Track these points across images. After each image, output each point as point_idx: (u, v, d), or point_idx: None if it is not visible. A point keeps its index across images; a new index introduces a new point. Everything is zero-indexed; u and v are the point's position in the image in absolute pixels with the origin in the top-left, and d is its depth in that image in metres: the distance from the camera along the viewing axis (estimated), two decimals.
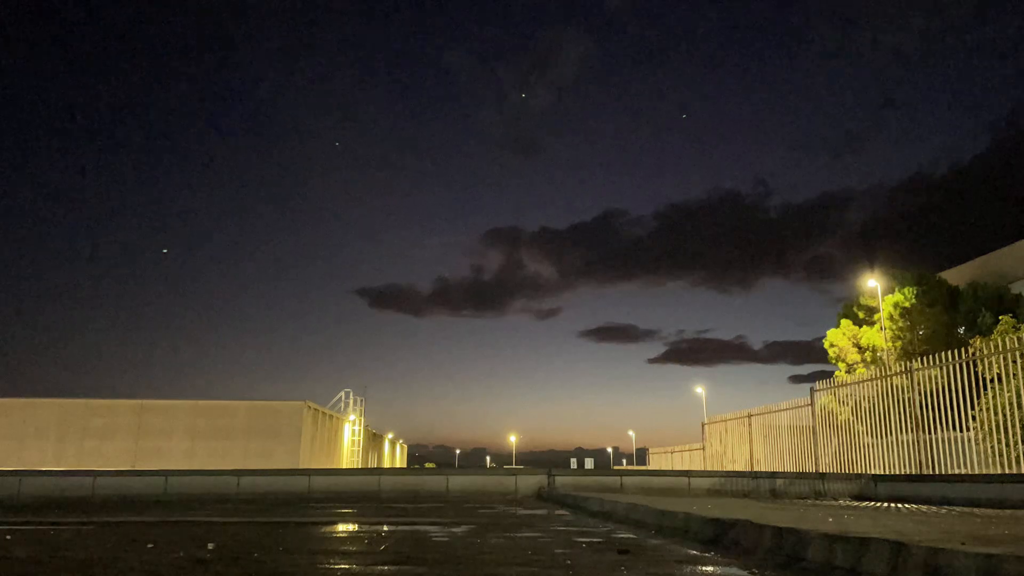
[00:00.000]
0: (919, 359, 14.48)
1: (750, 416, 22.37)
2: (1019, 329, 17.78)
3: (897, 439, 14.74)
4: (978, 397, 13.07)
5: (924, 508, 9.18)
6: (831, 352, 28.19)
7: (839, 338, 27.88)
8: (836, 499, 12.16)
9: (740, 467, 22.38)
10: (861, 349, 27.20)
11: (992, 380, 13.03)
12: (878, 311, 26.48)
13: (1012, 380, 12.11)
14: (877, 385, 15.63)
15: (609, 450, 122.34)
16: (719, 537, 5.35)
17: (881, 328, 26.06)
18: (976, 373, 13.15)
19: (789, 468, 18.94)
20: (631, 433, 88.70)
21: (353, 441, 36.74)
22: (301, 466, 26.08)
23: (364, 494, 13.96)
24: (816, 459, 17.84)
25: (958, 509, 8.85)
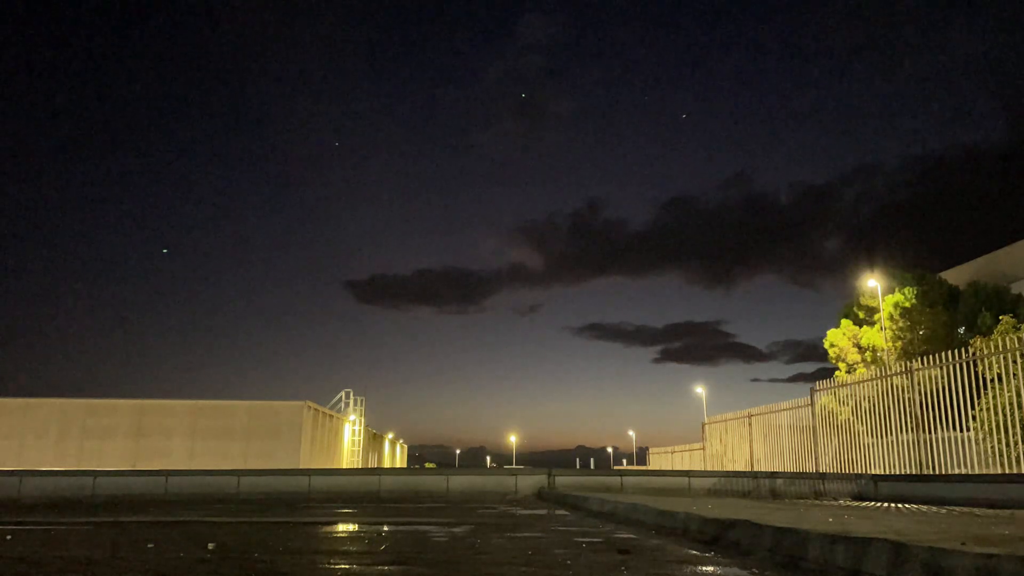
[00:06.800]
0: (919, 359, 14.47)
1: (750, 416, 22.37)
2: (1019, 329, 17.78)
3: (897, 439, 14.73)
4: (978, 397, 13.07)
5: (924, 508, 9.17)
6: (831, 352, 28.19)
7: (839, 338, 27.87)
8: (836, 499, 12.15)
9: (740, 467, 22.37)
10: (861, 349, 27.20)
11: (992, 380, 13.03)
12: (878, 311, 26.47)
13: (1012, 380, 12.11)
14: (877, 385, 15.63)
15: (609, 450, 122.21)
16: (719, 537, 5.35)
17: (881, 328, 26.05)
18: (976, 373, 13.15)
19: (789, 468, 18.93)
20: (631, 433, 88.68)
21: (353, 441, 36.70)
22: (301, 466, 26.05)
23: (364, 494, 13.96)
24: (816, 459, 17.84)
25: (958, 509, 8.84)
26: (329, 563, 4.58)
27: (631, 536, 6.12)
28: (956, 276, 30.28)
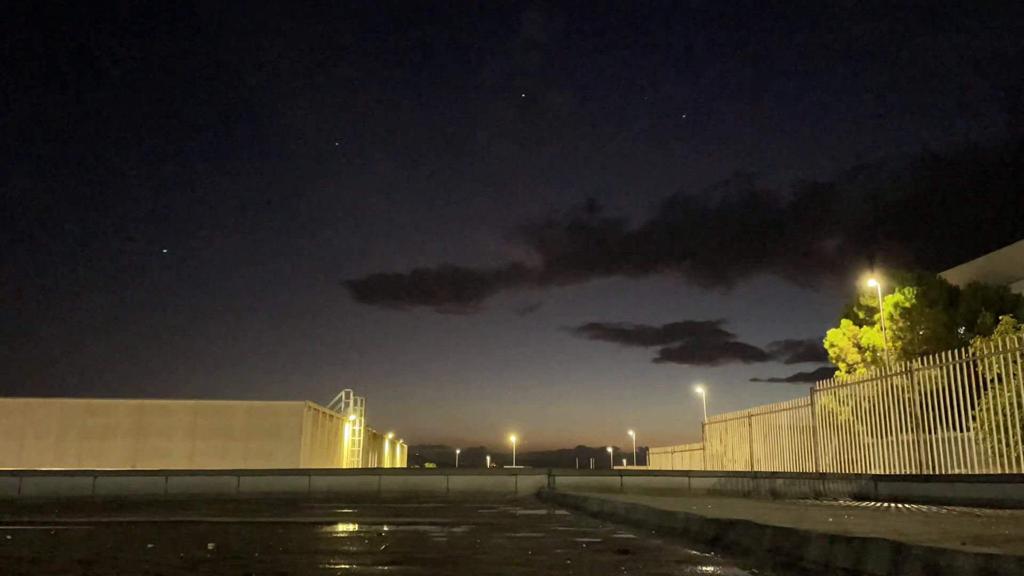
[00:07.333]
0: (919, 359, 14.48)
1: (750, 416, 22.37)
2: (1019, 329, 17.78)
3: (897, 439, 14.74)
4: (978, 397, 13.08)
5: (924, 508, 9.17)
6: (831, 352, 28.17)
7: (839, 338, 27.86)
8: (836, 499, 12.16)
9: (740, 467, 22.38)
10: (861, 349, 27.19)
11: (992, 380, 13.03)
12: (878, 311, 26.47)
13: (1012, 380, 12.11)
14: (877, 385, 15.63)
15: (609, 450, 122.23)
16: (719, 537, 5.35)
17: (881, 328, 26.05)
18: (976, 373, 13.16)
19: (789, 468, 18.94)
20: (631, 433, 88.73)
21: (353, 441, 36.71)
22: (301, 466, 26.07)
23: (364, 494, 13.96)
24: (816, 459, 17.84)
25: (958, 509, 8.84)
26: (329, 563, 4.58)
27: (631, 536, 6.12)
28: (956, 276, 30.27)
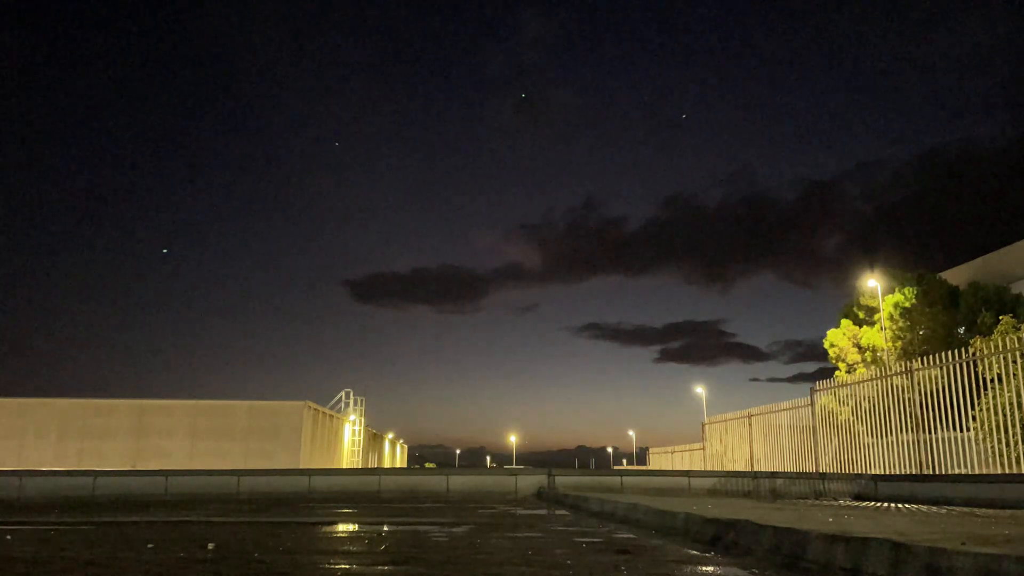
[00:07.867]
0: (919, 359, 14.47)
1: (750, 416, 22.37)
2: (1019, 329, 17.77)
3: (897, 439, 14.74)
4: (978, 397, 13.08)
5: (924, 508, 9.18)
6: (831, 352, 28.17)
7: (839, 338, 27.85)
8: (836, 499, 12.15)
9: (740, 467, 22.38)
10: (861, 349, 27.18)
11: (992, 380, 13.03)
12: (878, 311, 26.46)
13: (1012, 380, 12.11)
14: (877, 385, 15.63)
15: (609, 450, 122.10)
16: (719, 537, 5.35)
17: (881, 328, 26.04)
18: (976, 373, 13.16)
19: (789, 468, 18.94)
20: (631, 433, 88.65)
21: (353, 441, 36.70)
22: (301, 466, 26.06)
23: (364, 494, 13.96)
24: (816, 459, 17.84)
25: (958, 509, 8.85)
26: (329, 563, 4.58)
27: (631, 536, 6.13)
28: (956, 276, 30.26)
